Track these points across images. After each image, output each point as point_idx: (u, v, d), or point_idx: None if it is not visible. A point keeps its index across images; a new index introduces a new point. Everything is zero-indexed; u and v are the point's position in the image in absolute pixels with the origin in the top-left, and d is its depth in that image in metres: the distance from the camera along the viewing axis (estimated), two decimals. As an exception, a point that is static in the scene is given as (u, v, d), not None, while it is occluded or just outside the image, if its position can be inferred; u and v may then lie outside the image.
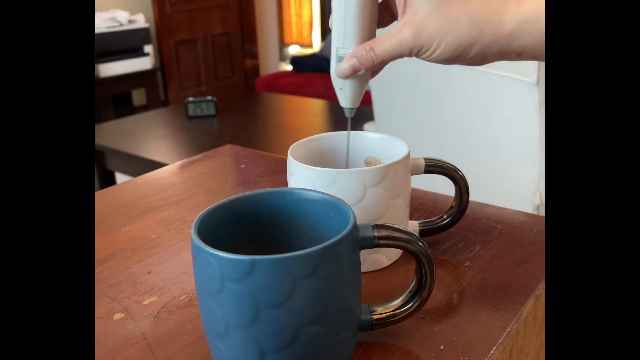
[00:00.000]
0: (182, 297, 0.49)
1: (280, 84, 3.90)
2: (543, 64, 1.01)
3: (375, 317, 0.41)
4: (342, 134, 0.56)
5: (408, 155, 0.50)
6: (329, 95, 3.46)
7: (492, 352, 0.40)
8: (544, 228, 0.57)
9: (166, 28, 4.13)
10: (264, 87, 3.96)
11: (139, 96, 4.12)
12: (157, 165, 2.08)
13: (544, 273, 0.49)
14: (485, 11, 0.42)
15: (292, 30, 5.57)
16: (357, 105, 0.51)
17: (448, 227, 0.55)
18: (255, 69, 4.85)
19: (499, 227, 0.58)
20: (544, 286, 0.48)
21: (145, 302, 0.48)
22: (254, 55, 4.82)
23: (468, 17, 0.42)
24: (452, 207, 0.54)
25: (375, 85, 1.53)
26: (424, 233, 0.55)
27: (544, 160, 1.10)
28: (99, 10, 3.80)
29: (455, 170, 0.52)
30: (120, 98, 3.91)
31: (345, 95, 0.50)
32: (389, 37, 0.45)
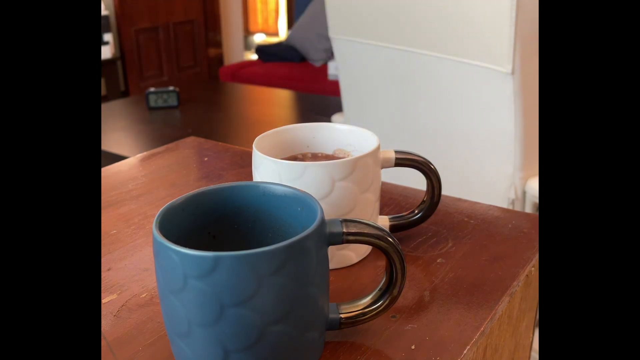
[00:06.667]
0: (143, 295, 0.48)
1: (245, 73, 3.88)
2: (518, 53, 1.02)
3: (343, 315, 0.41)
4: (310, 125, 0.55)
5: (378, 147, 0.50)
6: (295, 85, 3.45)
7: (465, 352, 0.40)
8: (519, 223, 0.57)
9: (126, 16, 4.07)
10: (228, 77, 3.93)
11: (98, 86, 4.06)
12: (117, 158, 2.05)
13: (519, 270, 0.49)
14: None
15: (258, 18, 5.54)
16: None
17: (419, 223, 0.54)
18: (219, 58, 4.81)
19: (473, 222, 0.58)
20: (519, 283, 0.48)
21: (104, 300, 0.47)
22: (218, 44, 4.78)
23: None
24: (423, 201, 0.54)
25: (344, 74, 1.52)
26: (394, 228, 0.54)
27: (519, 153, 1.11)
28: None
29: (427, 163, 0.52)
30: (79, 88, 3.85)
31: None
32: None
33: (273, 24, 5.49)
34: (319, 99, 2.92)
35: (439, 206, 0.60)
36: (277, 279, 0.34)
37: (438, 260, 0.51)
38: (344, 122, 1.39)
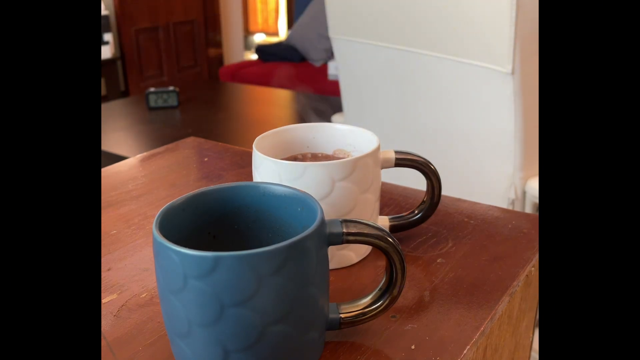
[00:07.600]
0: (143, 295, 0.48)
1: (245, 73, 3.88)
2: (518, 53, 1.02)
3: (343, 315, 0.41)
4: (310, 125, 0.55)
5: (378, 148, 0.50)
6: (295, 85, 3.45)
7: (465, 352, 0.40)
8: (518, 223, 0.57)
9: (126, 15, 4.06)
10: (228, 77, 3.92)
11: (98, 86, 4.05)
12: (117, 158, 2.05)
13: (519, 270, 0.49)
14: None
15: (258, 18, 5.54)
16: None
17: (419, 223, 0.54)
18: (219, 58, 4.81)
19: (473, 222, 0.58)
20: (519, 283, 0.48)
21: (104, 300, 0.47)
22: (218, 44, 4.78)
23: None
24: (423, 201, 0.54)
25: (344, 74, 1.52)
26: (394, 229, 0.54)
27: (519, 153, 1.11)
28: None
29: (427, 163, 0.52)
30: (79, 88, 3.85)
31: None
32: None
33: (273, 24, 5.48)
34: (319, 99, 2.92)
35: (439, 206, 0.60)
36: (277, 279, 0.34)
37: (438, 260, 0.51)
38: (344, 122, 1.39)
